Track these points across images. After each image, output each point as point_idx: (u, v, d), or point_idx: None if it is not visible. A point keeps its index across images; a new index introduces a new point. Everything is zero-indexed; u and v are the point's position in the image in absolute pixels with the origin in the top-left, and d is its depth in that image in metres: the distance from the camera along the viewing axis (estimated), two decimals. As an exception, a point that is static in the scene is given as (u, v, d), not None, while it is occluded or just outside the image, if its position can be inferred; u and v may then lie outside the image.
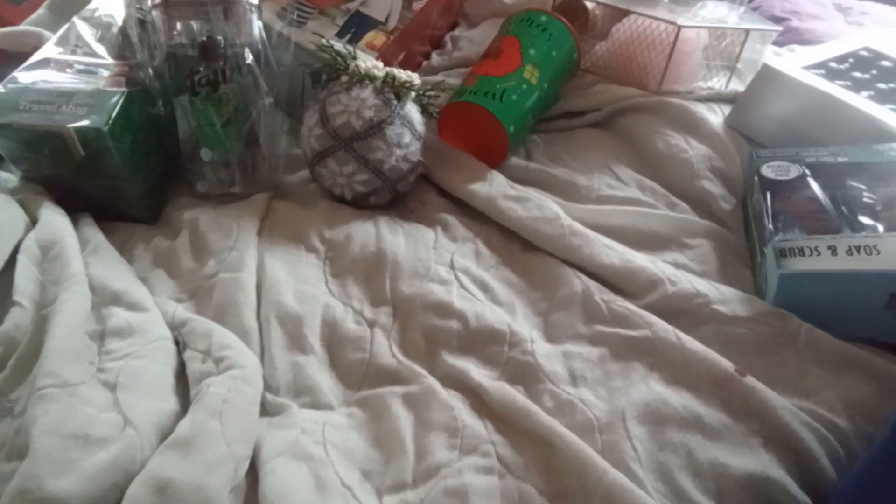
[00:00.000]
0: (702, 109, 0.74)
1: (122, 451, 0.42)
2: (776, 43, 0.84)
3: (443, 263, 0.61)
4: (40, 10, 0.86)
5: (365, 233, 0.63)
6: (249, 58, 0.63)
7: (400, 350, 0.55)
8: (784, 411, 0.47)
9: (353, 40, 0.73)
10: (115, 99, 0.60)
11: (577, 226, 0.62)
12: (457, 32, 0.91)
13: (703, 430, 0.48)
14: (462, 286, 0.59)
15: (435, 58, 0.87)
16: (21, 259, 0.53)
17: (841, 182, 0.60)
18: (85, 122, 0.58)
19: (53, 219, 0.57)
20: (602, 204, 0.67)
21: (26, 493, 0.38)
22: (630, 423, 0.48)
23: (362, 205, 0.67)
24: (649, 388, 0.50)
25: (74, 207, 0.62)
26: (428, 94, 0.68)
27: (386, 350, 0.55)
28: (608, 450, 0.47)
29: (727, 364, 0.50)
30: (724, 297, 0.55)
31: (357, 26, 0.74)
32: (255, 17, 0.64)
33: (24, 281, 0.51)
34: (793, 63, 0.72)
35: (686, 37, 0.73)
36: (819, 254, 0.53)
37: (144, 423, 0.44)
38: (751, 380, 0.49)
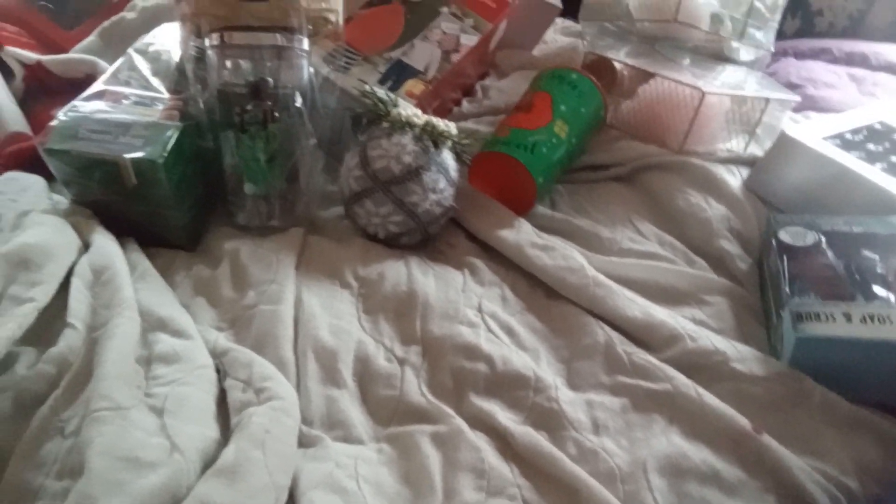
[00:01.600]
0: (721, 171, 0.77)
1: (171, 475, 0.44)
2: (793, 109, 0.88)
3: (471, 306, 0.63)
4: (91, 37, 0.89)
5: (397, 272, 0.65)
6: (299, 100, 0.66)
7: (429, 389, 0.57)
8: (798, 471, 0.49)
9: (394, 88, 0.76)
10: (169, 132, 0.63)
11: (601, 277, 0.64)
12: (487, 82, 0.95)
13: (721, 485, 0.50)
14: (489, 330, 0.61)
15: (465, 105, 0.90)
16: (74, 282, 0.55)
17: (855, 252, 0.62)
18: (141, 154, 0.61)
19: (106, 244, 0.60)
20: (624, 257, 0.70)
21: (83, 512, 0.40)
22: (651, 475, 0.50)
23: (393, 244, 0.70)
24: (669, 440, 0.53)
25: (117, 231, 0.65)
26: (463, 142, 0.71)
27: (415, 388, 0.57)
28: (629, 499, 0.49)
29: (744, 421, 0.52)
30: (742, 356, 0.58)
31: (398, 74, 0.77)
32: (305, 62, 0.67)
33: (78, 304, 0.53)
34: (811, 132, 0.76)
35: (709, 102, 0.77)
36: (834, 320, 0.56)
37: (190, 448, 0.46)
38: (766, 438, 0.51)
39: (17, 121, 0.78)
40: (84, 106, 0.65)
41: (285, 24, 0.64)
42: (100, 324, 0.53)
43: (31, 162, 0.70)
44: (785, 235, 0.65)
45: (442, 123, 0.69)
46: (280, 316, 0.59)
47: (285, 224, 0.70)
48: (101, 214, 0.66)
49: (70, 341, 0.51)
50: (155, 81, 0.70)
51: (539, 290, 0.67)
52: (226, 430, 0.50)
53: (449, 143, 0.69)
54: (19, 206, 0.63)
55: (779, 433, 0.52)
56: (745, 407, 0.54)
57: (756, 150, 0.81)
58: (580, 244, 0.71)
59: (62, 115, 0.63)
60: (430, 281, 0.65)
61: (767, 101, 0.80)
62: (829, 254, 0.63)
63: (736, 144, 0.82)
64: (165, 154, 0.61)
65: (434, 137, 0.68)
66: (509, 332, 0.62)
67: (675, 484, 0.50)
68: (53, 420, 0.47)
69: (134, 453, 0.44)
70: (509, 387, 0.57)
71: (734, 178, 0.77)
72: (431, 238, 0.72)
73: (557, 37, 1.09)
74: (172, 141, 0.63)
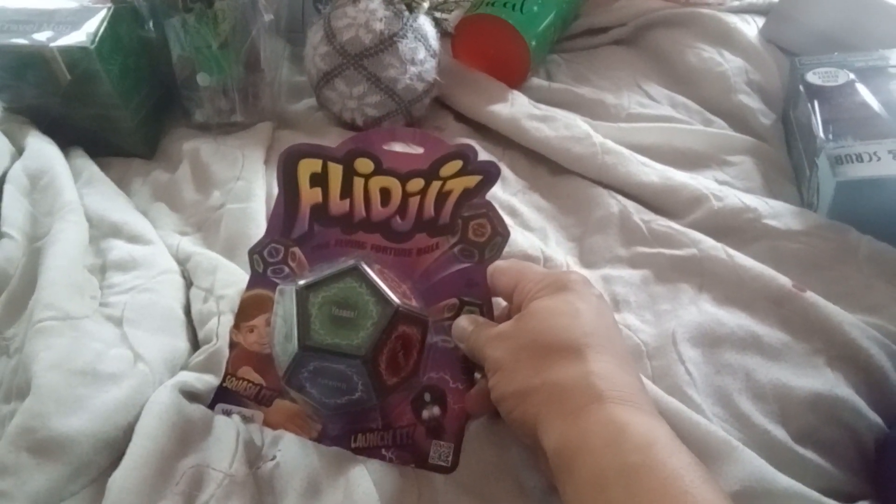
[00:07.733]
0: (735, 21, 0.69)
1: (136, 388, 0.38)
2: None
3: (466, 189, 0.56)
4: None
5: (380, 159, 0.58)
6: (246, -32, 0.57)
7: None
8: (850, 327, 0.43)
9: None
10: (100, 15, 0.54)
11: (610, 143, 0.57)
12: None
13: (762, 351, 0.44)
14: (489, 212, 0.55)
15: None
16: (8, 189, 0.48)
17: (894, 87, 0.55)
18: (69, 41, 0.52)
19: (42, 147, 0.52)
20: (633, 122, 0.62)
21: (30, 433, 0.34)
22: (682, 346, 0.45)
23: (374, 131, 0.62)
24: (700, 309, 0.47)
25: (65, 141, 0.57)
26: (441, 6, 0.62)
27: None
28: (660, 375, 0.44)
29: (784, 280, 0.46)
30: (776, 212, 0.51)
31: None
32: (249, -78, 0.58)
33: (13, 212, 0.46)
34: (832, -35, 0.67)
35: (718, -59, 0.67)
36: (879, 159, 0.49)
37: (156, 359, 0.40)
38: (811, 295, 0.45)
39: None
40: (-2, -5, 0.56)
41: None
42: (41, 233, 0.46)
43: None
44: (813, 77, 0.58)
45: (415, -16, 0.60)
46: (250, 214, 0.52)
47: (250, 119, 0.62)
48: (42, 123, 0.57)
49: (7, 252, 0.44)
50: (80, -36, 0.60)
51: (542, 167, 0.60)
52: (196, 341, 0.44)
53: (425, 5, 0.60)
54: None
55: (824, 291, 0.46)
56: (784, 265, 0.48)
57: (770, -3, 0.72)
58: (584, 114, 0.63)
59: (-27, 6, 0.55)
60: (418, 165, 0.58)
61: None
62: (865, 91, 0.55)
63: (748, -8, 0.73)
64: (97, 40, 0.53)
65: (407, 0, 0.59)
66: (511, 212, 0.55)
67: (711, 354, 0.44)
68: (-4, 339, 0.41)
69: (91, 366, 0.38)
70: (516, 269, 0.51)
71: (749, 28, 0.69)
72: (416, 122, 0.64)
73: None
74: (104, 25, 0.54)
